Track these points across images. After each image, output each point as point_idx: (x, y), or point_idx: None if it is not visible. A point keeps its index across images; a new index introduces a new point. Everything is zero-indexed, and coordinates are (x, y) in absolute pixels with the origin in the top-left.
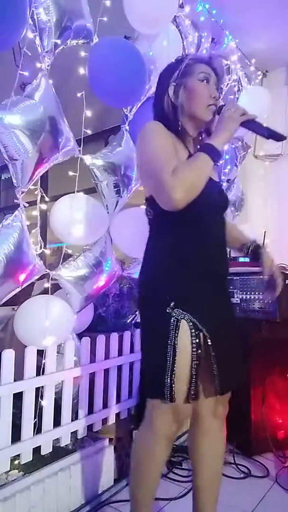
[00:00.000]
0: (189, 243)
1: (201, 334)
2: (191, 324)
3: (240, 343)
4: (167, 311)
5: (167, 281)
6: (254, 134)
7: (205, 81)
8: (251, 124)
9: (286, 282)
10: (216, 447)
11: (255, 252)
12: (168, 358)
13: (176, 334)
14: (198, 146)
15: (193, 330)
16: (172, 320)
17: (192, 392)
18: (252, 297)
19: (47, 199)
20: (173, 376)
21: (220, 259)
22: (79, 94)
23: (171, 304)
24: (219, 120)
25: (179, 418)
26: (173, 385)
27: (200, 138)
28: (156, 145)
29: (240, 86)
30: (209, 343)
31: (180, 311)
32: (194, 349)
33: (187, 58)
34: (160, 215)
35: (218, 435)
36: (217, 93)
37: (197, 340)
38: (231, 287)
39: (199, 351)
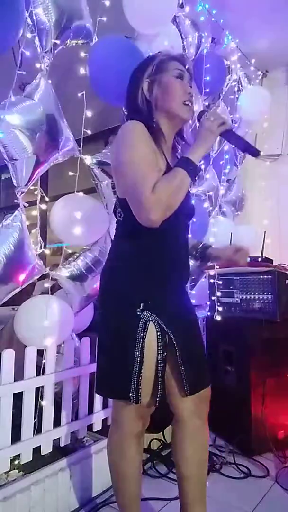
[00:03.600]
0: (156, 248)
1: (166, 336)
2: (158, 326)
3: (201, 344)
4: (137, 313)
5: (135, 284)
6: (253, 136)
7: (179, 78)
8: (229, 135)
9: (286, 282)
10: (201, 450)
11: (203, 254)
12: (136, 360)
13: (144, 336)
14: (177, 157)
15: (159, 333)
16: (141, 322)
17: (158, 394)
18: (252, 297)
19: (47, 199)
20: (140, 378)
21: (183, 265)
22: (79, 94)
23: (141, 306)
24: (198, 130)
25: (143, 414)
26: (140, 387)
27: (177, 144)
28: (137, 152)
29: (240, 86)
30: (175, 344)
31: (149, 313)
32: (160, 351)
33: (161, 55)
34: (130, 218)
35: (202, 437)
36: (191, 90)
37: (163, 342)
38: (231, 287)
39: (165, 353)
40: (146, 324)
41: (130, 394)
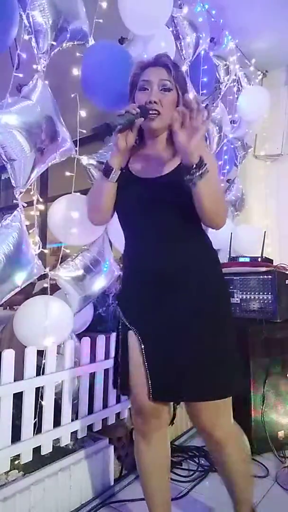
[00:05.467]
0: (126, 246)
1: (129, 332)
2: (121, 322)
3: (194, 354)
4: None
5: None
6: (253, 136)
7: (142, 89)
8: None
9: (286, 282)
10: (160, 456)
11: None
12: (116, 350)
13: (118, 329)
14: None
15: (120, 328)
16: (118, 317)
17: (119, 383)
18: (252, 297)
19: (41, 200)
20: (117, 367)
21: (150, 259)
22: (73, 95)
23: (116, 302)
24: None
25: (136, 410)
26: (118, 376)
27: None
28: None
29: (239, 86)
30: (142, 343)
31: (119, 308)
32: (120, 344)
33: (134, 68)
34: None
35: (163, 444)
36: (155, 96)
37: (122, 337)
38: (231, 287)
39: (125, 347)
40: (119, 318)
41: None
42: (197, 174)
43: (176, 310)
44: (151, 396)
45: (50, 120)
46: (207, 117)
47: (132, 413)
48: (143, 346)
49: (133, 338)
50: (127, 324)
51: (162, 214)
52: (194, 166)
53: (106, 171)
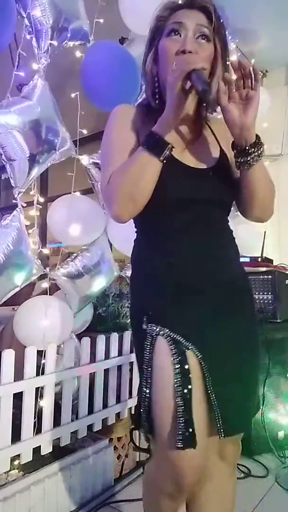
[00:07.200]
0: (154, 251)
1: (187, 352)
2: (170, 340)
3: (255, 376)
4: (143, 327)
5: (140, 294)
6: None
7: (172, 33)
8: (194, 78)
9: (286, 282)
10: (223, 499)
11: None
12: (145, 384)
13: (151, 354)
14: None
15: (174, 348)
16: (147, 338)
17: (180, 432)
18: None
19: (41, 200)
20: (150, 406)
21: (203, 266)
22: (73, 95)
23: (144, 319)
24: None
25: (181, 471)
26: (153, 418)
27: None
28: (111, 137)
29: None
30: (203, 365)
31: (155, 325)
32: (177, 371)
33: (160, 9)
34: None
35: (226, 482)
36: (189, 45)
37: (179, 359)
38: None
39: (185, 374)
40: (153, 339)
41: (142, 426)
42: (255, 154)
43: (239, 324)
44: (221, 435)
45: (50, 120)
46: (258, 80)
47: (166, 474)
48: (206, 372)
49: (191, 362)
50: (180, 340)
51: (214, 210)
52: (252, 145)
53: (157, 146)
